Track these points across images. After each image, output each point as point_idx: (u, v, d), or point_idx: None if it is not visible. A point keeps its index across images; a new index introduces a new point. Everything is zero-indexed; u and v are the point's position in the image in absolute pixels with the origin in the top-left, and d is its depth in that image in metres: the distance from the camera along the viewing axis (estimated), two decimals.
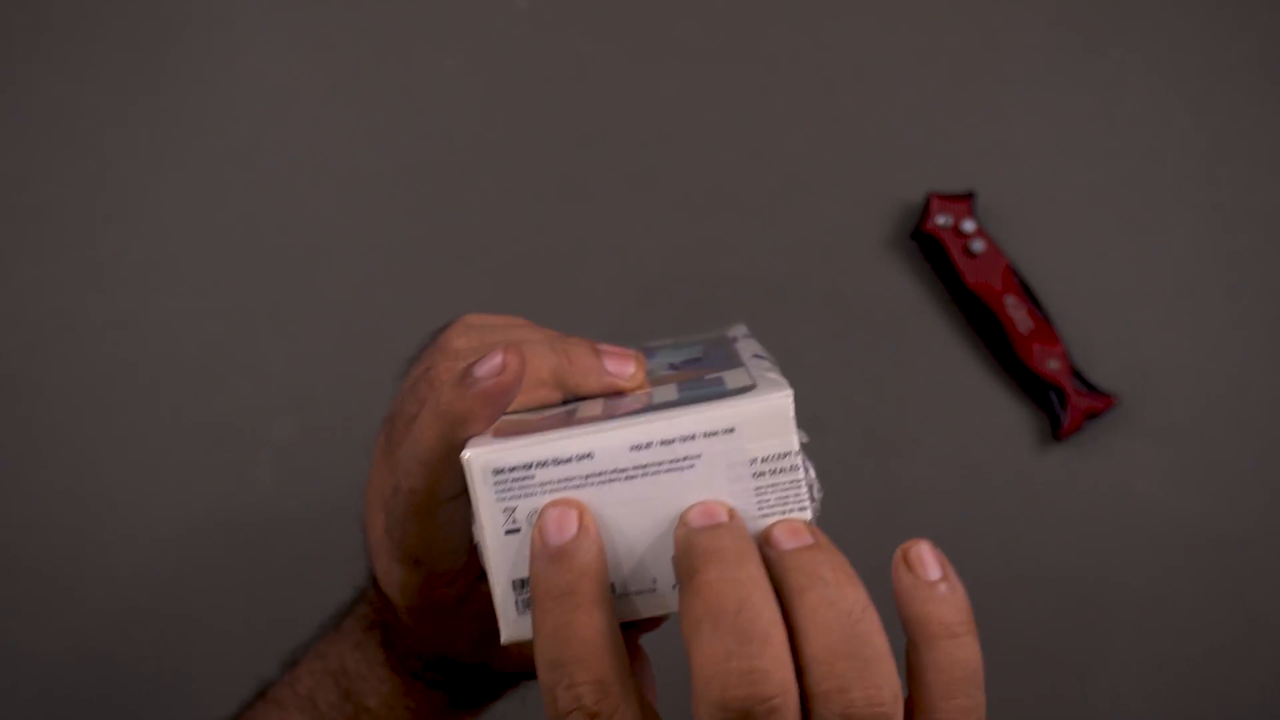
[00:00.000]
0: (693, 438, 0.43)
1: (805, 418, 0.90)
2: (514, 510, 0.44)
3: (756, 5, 0.91)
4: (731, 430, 0.44)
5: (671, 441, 0.43)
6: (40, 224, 0.91)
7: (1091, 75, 0.90)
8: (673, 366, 0.54)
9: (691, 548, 0.42)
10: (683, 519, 0.43)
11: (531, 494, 0.44)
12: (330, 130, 0.91)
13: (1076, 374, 0.89)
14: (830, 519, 0.95)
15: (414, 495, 0.47)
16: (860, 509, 0.90)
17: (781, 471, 0.44)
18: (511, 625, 0.45)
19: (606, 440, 0.43)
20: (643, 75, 0.91)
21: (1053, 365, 0.88)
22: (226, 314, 0.91)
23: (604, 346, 0.52)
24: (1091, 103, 0.90)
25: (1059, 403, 0.88)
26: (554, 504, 0.43)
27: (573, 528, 0.42)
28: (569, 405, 0.49)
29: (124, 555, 0.90)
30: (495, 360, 0.44)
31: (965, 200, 0.88)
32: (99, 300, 0.91)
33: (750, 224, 0.91)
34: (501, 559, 0.44)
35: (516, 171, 0.91)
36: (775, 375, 0.48)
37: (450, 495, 0.47)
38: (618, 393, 0.51)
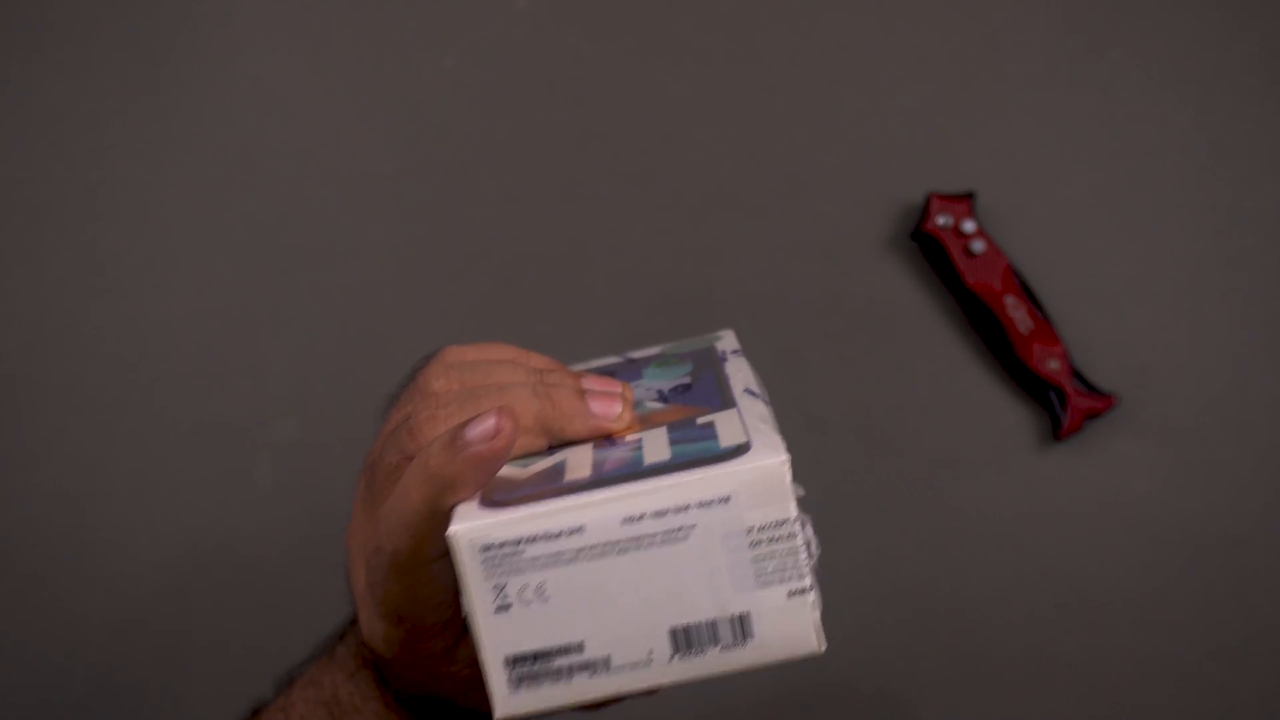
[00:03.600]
0: (687, 508, 0.42)
1: (805, 417, 0.90)
2: (504, 587, 0.42)
3: (756, 5, 0.91)
4: (727, 499, 0.42)
5: (665, 513, 0.42)
6: (40, 224, 0.91)
7: (1091, 75, 0.90)
8: (661, 395, 0.53)
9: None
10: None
11: (522, 570, 0.42)
12: (330, 130, 0.91)
13: (1076, 374, 0.89)
14: (830, 519, 0.96)
15: (397, 556, 0.45)
16: (860, 509, 0.90)
17: (779, 540, 0.42)
18: (505, 702, 0.43)
19: (598, 514, 0.42)
20: (642, 75, 0.91)
21: (1053, 365, 0.88)
22: (226, 314, 0.91)
23: (589, 382, 0.50)
24: (1091, 103, 0.90)
25: (1059, 403, 0.88)
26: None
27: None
28: (555, 455, 0.48)
29: (123, 555, 0.90)
30: (488, 424, 0.43)
31: (965, 200, 0.88)
32: (99, 300, 0.91)
33: (750, 224, 0.91)
34: (493, 637, 0.43)
35: (516, 171, 0.91)
36: (768, 427, 0.46)
37: (435, 556, 0.45)
38: (606, 435, 0.49)
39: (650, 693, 0.46)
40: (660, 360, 0.59)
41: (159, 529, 0.90)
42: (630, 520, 0.42)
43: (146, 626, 0.91)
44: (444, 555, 0.45)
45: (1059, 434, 0.88)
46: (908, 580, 0.90)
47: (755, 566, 0.42)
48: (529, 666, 0.43)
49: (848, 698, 0.90)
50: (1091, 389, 0.89)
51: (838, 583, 0.90)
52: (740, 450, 0.43)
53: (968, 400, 0.90)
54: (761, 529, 0.42)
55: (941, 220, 0.88)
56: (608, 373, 0.57)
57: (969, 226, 0.88)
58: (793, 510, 0.43)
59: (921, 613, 0.90)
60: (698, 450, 0.44)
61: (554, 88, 0.91)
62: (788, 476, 0.43)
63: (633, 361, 0.59)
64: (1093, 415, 0.89)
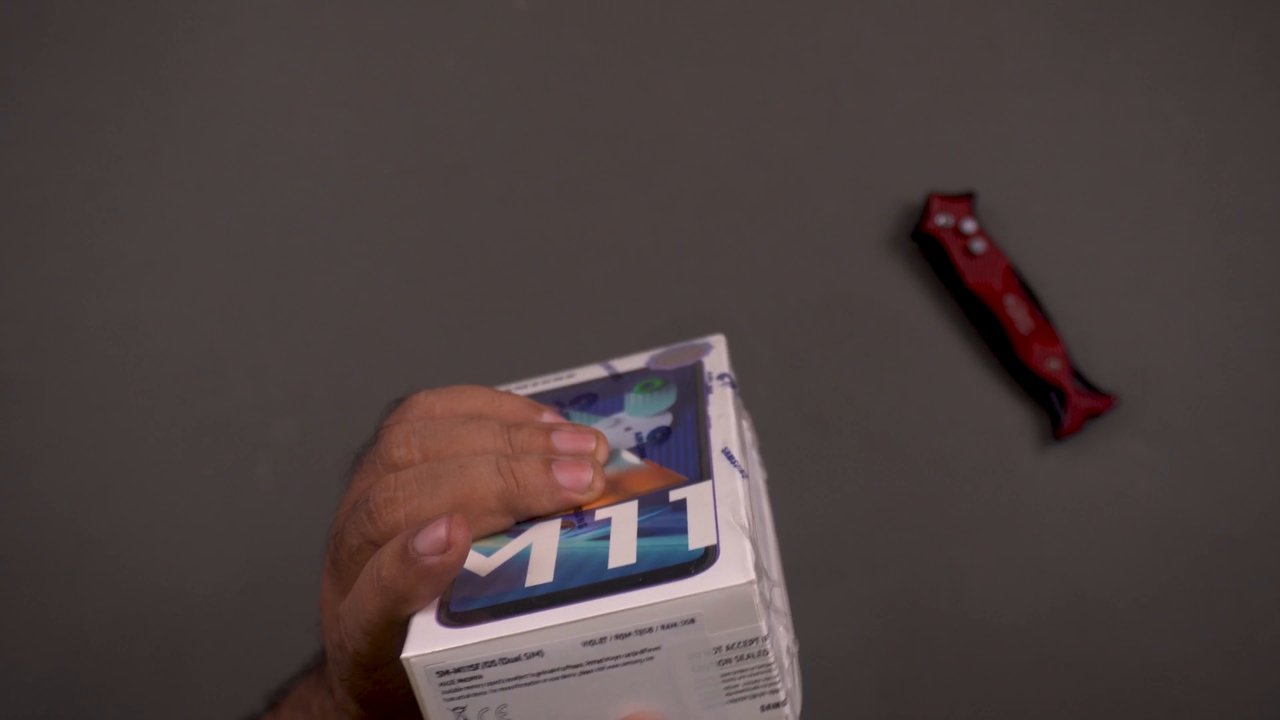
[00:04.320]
0: (650, 630, 0.40)
1: (805, 417, 0.90)
2: (464, 709, 0.41)
3: (756, 5, 0.91)
4: (692, 621, 0.40)
5: (628, 635, 0.40)
6: (40, 224, 0.91)
7: (1091, 75, 0.90)
8: (639, 440, 0.51)
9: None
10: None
11: (480, 693, 0.41)
12: (330, 130, 0.91)
13: (1076, 374, 0.89)
14: (830, 519, 0.96)
15: (359, 657, 0.45)
16: (860, 509, 0.90)
17: (749, 657, 0.41)
18: None
19: (558, 638, 0.40)
20: (642, 75, 0.91)
21: (1053, 365, 0.88)
22: (226, 314, 0.91)
23: (561, 439, 0.48)
24: (1091, 103, 0.90)
25: (1059, 403, 0.88)
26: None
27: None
28: (520, 537, 0.46)
29: (123, 556, 0.90)
30: (439, 535, 0.42)
31: (965, 200, 0.88)
32: (99, 300, 0.91)
33: (750, 224, 0.91)
34: None
35: (516, 171, 0.91)
36: (738, 524, 0.43)
37: (396, 656, 0.44)
38: (574, 507, 0.47)
39: None
40: (644, 383, 0.56)
41: (159, 529, 0.90)
42: (591, 643, 0.40)
43: (146, 626, 0.91)
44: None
45: (1059, 434, 0.88)
46: (908, 580, 0.90)
47: (725, 684, 0.41)
48: None
49: (848, 697, 0.90)
50: (1091, 389, 0.89)
51: (838, 583, 0.91)
52: (708, 558, 0.41)
53: (968, 400, 0.90)
54: (729, 648, 0.41)
55: (941, 220, 0.88)
56: (589, 394, 0.55)
57: (969, 226, 0.88)
58: (762, 629, 0.40)
59: (921, 612, 0.90)
60: (664, 551, 0.42)
61: (554, 88, 0.91)
62: (756, 598, 0.40)
63: (617, 378, 0.57)
64: (1093, 415, 0.89)
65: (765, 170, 0.91)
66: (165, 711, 0.91)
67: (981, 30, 0.90)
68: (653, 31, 0.91)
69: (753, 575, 0.40)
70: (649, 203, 0.91)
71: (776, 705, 0.41)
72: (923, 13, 0.90)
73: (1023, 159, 0.90)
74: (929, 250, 0.89)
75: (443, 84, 0.91)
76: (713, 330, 0.88)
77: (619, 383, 0.56)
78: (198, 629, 0.91)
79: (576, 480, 0.47)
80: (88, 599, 0.90)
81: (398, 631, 0.43)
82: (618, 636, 0.40)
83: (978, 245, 0.88)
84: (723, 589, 0.40)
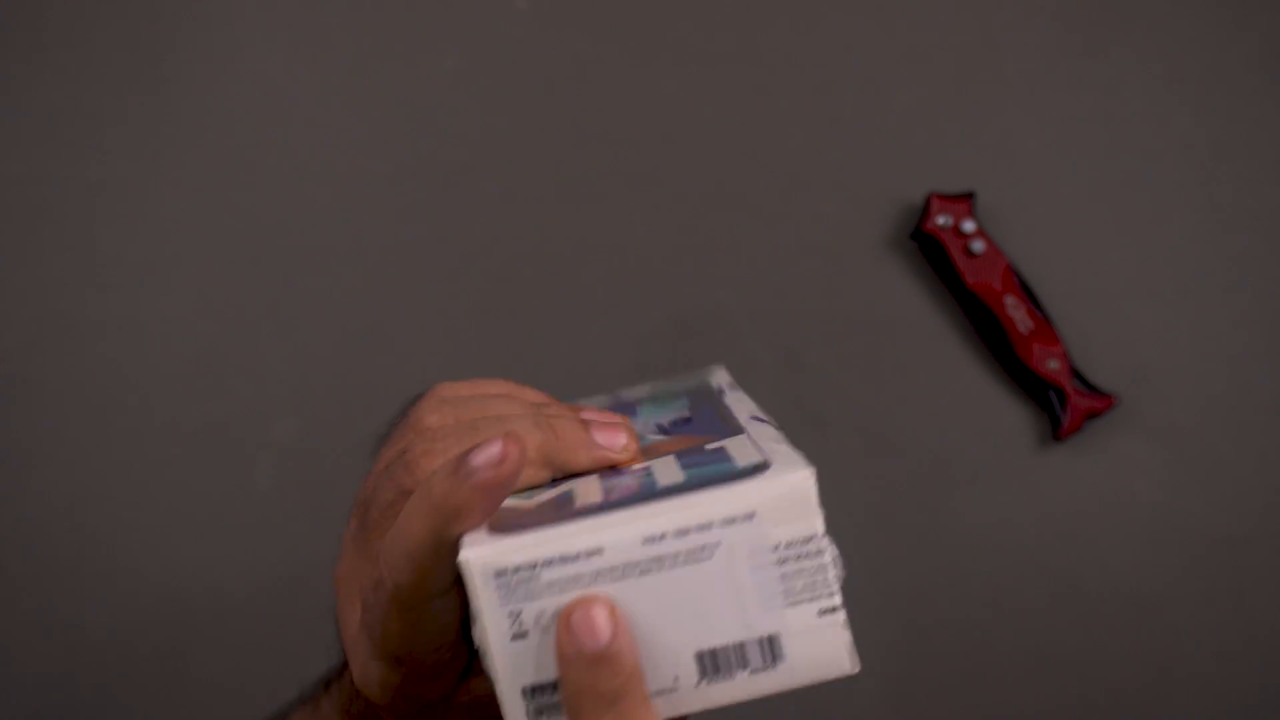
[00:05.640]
0: (710, 526, 0.40)
1: (805, 417, 0.90)
2: (520, 614, 0.40)
3: (756, 5, 0.91)
4: (751, 515, 0.41)
5: (687, 531, 0.40)
6: (40, 224, 0.91)
7: (1091, 75, 0.90)
8: (661, 429, 0.51)
9: (569, 684, 0.40)
10: (564, 621, 0.40)
11: (538, 595, 0.40)
12: (330, 130, 0.91)
13: (1076, 374, 0.89)
14: (830, 518, 0.95)
15: (399, 591, 0.43)
16: (860, 509, 0.90)
17: (807, 556, 0.41)
18: None
19: (618, 534, 0.40)
20: (642, 76, 0.91)
21: (1053, 365, 0.88)
22: (226, 314, 0.91)
23: (589, 414, 0.48)
24: (1091, 103, 0.90)
25: (1059, 403, 0.88)
26: (580, 604, 0.40)
27: (607, 628, 0.39)
28: (560, 486, 0.46)
29: (123, 556, 0.90)
30: (493, 450, 0.40)
31: (965, 200, 0.88)
32: (99, 300, 0.91)
33: (750, 224, 0.91)
34: (510, 668, 0.41)
35: (516, 172, 0.91)
36: (786, 448, 0.44)
37: (439, 591, 0.43)
38: (610, 466, 0.47)
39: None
40: (652, 399, 0.57)
41: (159, 529, 0.90)
42: (651, 540, 0.40)
43: (146, 626, 0.91)
44: (448, 590, 0.43)
45: (1059, 434, 0.88)
46: (908, 580, 0.90)
47: (783, 585, 0.41)
48: (549, 697, 0.41)
49: (848, 697, 0.90)
50: (1091, 389, 0.89)
51: None
52: (760, 468, 0.42)
53: (968, 400, 0.90)
54: (788, 545, 0.41)
55: (941, 220, 0.88)
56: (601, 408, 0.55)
57: (969, 226, 0.88)
58: (820, 526, 0.41)
59: (921, 613, 0.90)
60: (713, 472, 0.43)
61: (554, 88, 0.91)
62: (814, 490, 0.41)
63: (624, 402, 0.57)
64: (1093, 415, 0.89)
65: (765, 170, 0.91)
66: (165, 712, 0.90)
67: (981, 30, 0.90)
68: (653, 31, 0.91)
69: (810, 469, 0.41)
70: (649, 203, 0.91)
71: (834, 609, 0.41)
72: (923, 13, 0.90)
73: (1023, 159, 0.90)
74: (929, 250, 0.89)
75: (443, 84, 0.91)
76: (713, 330, 0.88)
77: (626, 405, 0.57)
78: (198, 629, 0.91)
79: (612, 439, 0.47)
80: (88, 599, 0.90)
81: (443, 558, 0.42)
82: (677, 533, 0.40)
83: (978, 245, 0.88)
84: (783, 481, 0.41)
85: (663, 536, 0.40)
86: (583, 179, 0.91)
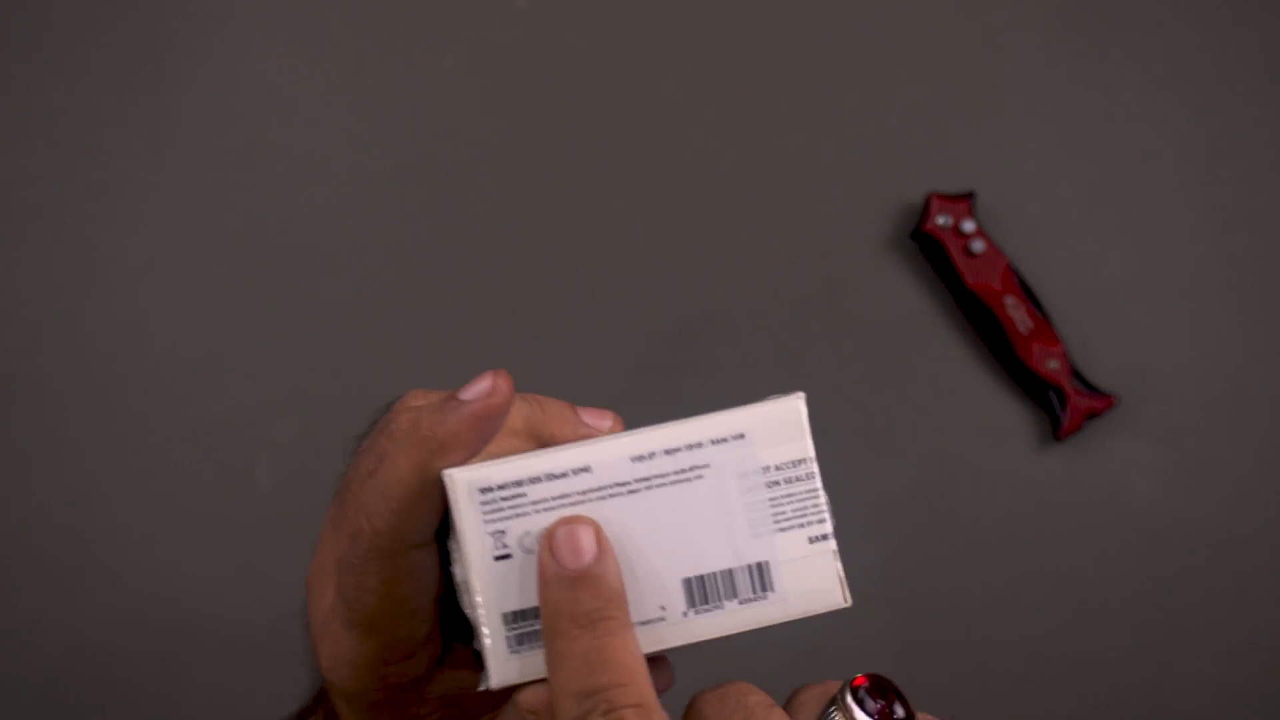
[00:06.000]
0: (700, 445, 0.40)
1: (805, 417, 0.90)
2: (504, 533, 0.39)
3: (756, 5, 0.91)
4: (742, 436, 0.41)
5: (677, 450, 0.40)
6: (40, 224, 0.91)
7: (1091, 75, 0.90)
8: None
9: (548, 604, 0.39)
10: (547, 540, 0.39)
11: (524, 514, 0.39)
12: (330, 130, 0.91)
13: (1076, 374, 0.89)
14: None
15: (378, 538, 0.41)
16: (860, 509, 0.90)
17: (798, 480, 0.41)
18: (502, 666, 0.40)
19: (605, 452, 0.40)
20: (642, 75, 0.91)
21: (1053, 365, 0.88)
22: (226, 314, 0.91)
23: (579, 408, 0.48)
24: (1091, 103, 0.90)
25: (1059, 403, 0.88)
26: (564, 522, 0.39)
27: (591, 548, 0.38)
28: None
29: (123, 555, 0.90)
30: (483, 383, 0.40)
31: (965, 200, 0.88)
32: (99, 300, 0.91)
33: (750, 224, 0.91)
34: (491, 589, 0.39)
35: (516, 171, 0.91)
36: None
37: (418, 541, 0.42)
38: None
39: (660, 666, 0.42)
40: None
41: (159, 529, 0.90)
42: (640, 458, 0.40)
43: (145, 626, 0.91)
44: (428, 543, 0.42)
45: (1059, 434, 0.88)
46: (908, 579, 0.90)
47: (773, 509, 0.40)
48: (530, 624, 0.40)
49: None
50: (1091, 389, 0.89)
51: None
52: (753, 402, 0.42)
53: (968, 400, 0.90)
54: (779, 468, 0.41)
55: (941, 220, 0.88)
56: None
57: (969, 226, 0.88)
58: (811, 450, 0.41)
59: (922, 612, 0.90)
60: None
61: (554, 88, 0.91)
62: (804, 414, 0.41)
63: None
64: (1093, 415, 0.88)
65: (765, 170, 0.91)
66: (165, 712, 0.90)
67: (981, 30, 0.90)
68: (653, 31, 0.91)
69: (801, 394, 0.41)
70: (649, 203, 0.91)
71: (825, 537, 0.41)
72: (923, 12, 0.90)
73: (1023, 159, 0.90)
74: (929, 250, 0.89)
75: (443, 84, 0.91)
76: (712, 330, 0.88)
77: None
78: (197, 629, 0.91)
79: (599, 421, 0.46)
80: (87, 599, 0.90)
81: (426, 500, 0.41)
82: (667, 452, 0.40)
83: (978, 245, 0.88)
84: (774, 404, 0.41)
85: (652, 455, 0.40)
86: (583, 179, 0.91)
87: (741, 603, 0.40)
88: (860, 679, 0.39)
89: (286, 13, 0.91)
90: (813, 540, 0.41)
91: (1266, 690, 0.90)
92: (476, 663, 0.43)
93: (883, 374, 0.90)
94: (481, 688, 0.41)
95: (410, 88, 0.91)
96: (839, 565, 0.41)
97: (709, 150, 0.91)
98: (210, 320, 0.91)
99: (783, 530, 0.41)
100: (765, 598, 0.41)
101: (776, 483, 0.41)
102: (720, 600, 0.40)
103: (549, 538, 0.39)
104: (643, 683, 0.38)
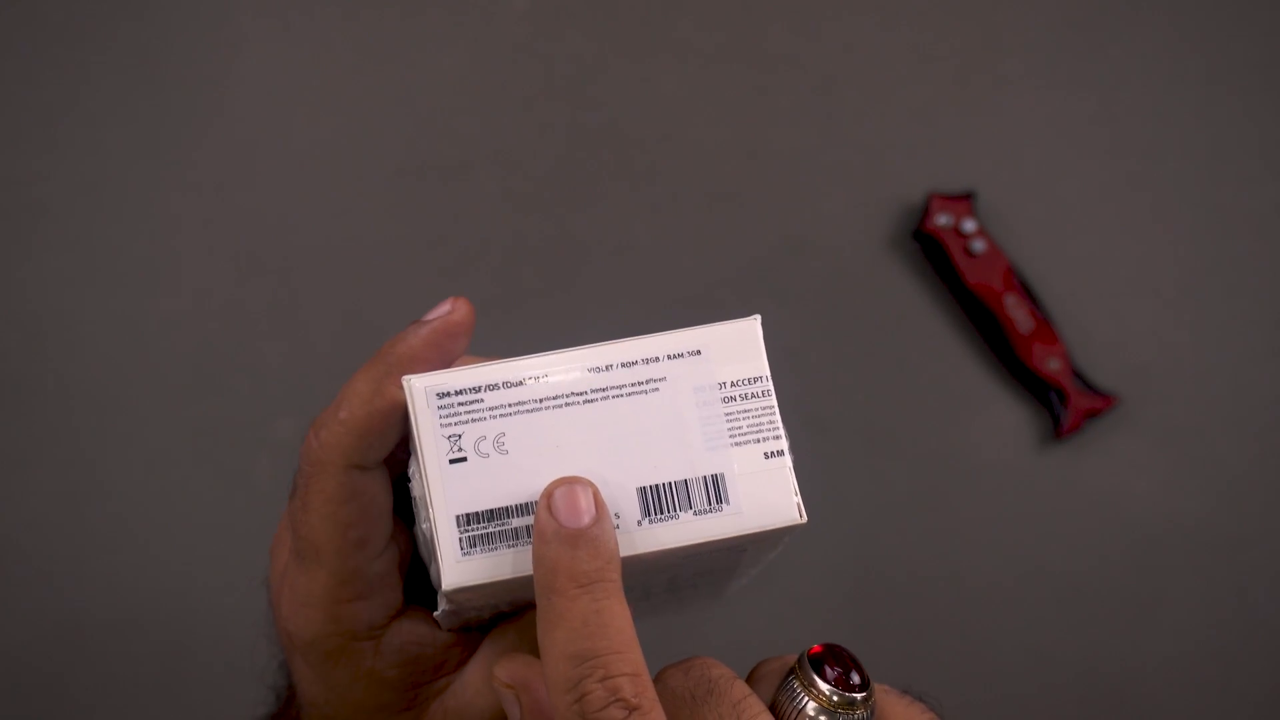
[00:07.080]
0: (657, 360, 0.41)
1: (806, 417, 0.90)
2: (460, 437, 0.40)
3: (756, 5, 0.91)
4: (698, 352, 0.42)
5: (634, 363, 0.41)
6: (40, 224, 0.91)
7: (1091, 75, 0.90)
8: None
9: (545, 561, 0.39)
10: (545, 498, 0.39)
11: (480, 419, 0.40)
12: (330, 130, 0.91)
13: (1077, 374, 0.89)
14: (831, 518, 0.96)
15: (332, 452, 0.42)
16: (860, 509, 0.90)
17: (754, 397, 0.41)
18: (454, 568, 0.40)
19: (563, 362, 0.41)
20: (642, 75, 0.91)
21: (1053, 365, 0.88)
22: (226, 314, 0.91)
23: None
24: (1091, 103, 0.90)
25: (1059, 403, 0.88)
26: (562, 482, 0.39)
27: (590, 509, 0.39)
28: None
29: (123, 555, 0.90)
30: (443, 306, 0.41)
31: (965, 200, 0.88)
32: (99, 300, 0.91)
33: (750, 223, 0.91)
34: (444, 491, 0.40)
35: (516, 171, 0.91)
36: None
37: (359, 462, 0.42)
38: None
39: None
40: None
41: (159, 529, 0.90)
42: (597, 370, 0.41)
43: (145, 626, 0.91)
44: (374, 468, 0.42)
45: (1059, 434, 0.88)
46: (908, 579, 0.90)
47: (729, 423, 0.41)
48: (483, 527, 0.40)
49: None
50: (1091, 389, 0.89)
51: (838, 582, 0.91)
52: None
53: (968, 400, 0.90)
54: (734, 384, 0.41)
55: (941, 220, 0.88)
56: None
57: (969, 226, 0.88)
58: (766, 367, 0.41)
59: (921, 612, 0.90)
60: None
61: (554, 88, 0.91)
62: (760, 333, 0.42)
63: None
64: (1093, 415, 0.89)
65: (766, 170, 0.91)
66: (165, 711, 0.90)
67: (982, 30, 0.90)
68: (653, 31, 0.91)
69: (758, 316, 0.42)
70: (648, 202, 0.91)
71: (780, 453, 0.41)
72: (923, 12, 0.90)
73: (1023, 159, 0.90)
74: (929, 250, 0.89)
75: (443, 84, 0.91)
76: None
77: None
78: (197, 629, 0.91)
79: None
80: (88, 598, 0.90)
81: (383, 417, 0.41)
82: (624, 364, 0.41)
83: (978, 245, 0.88)
84: (730, 324, 0.42)
85: (609, 367, 0.41)
86: (583, 178, 0.91)
87: (696, 514, 0.41)
88: (817, 648, 0.40)
89: (286, 12, 0.91)
90: (768, 455, 0.41)
91: (1266, 690, 0.90)
92: (437, 626, 0.43)
93: (883, 373, 0.90)
94: (437, 612, 0.41)
95: (410, 88, 0.91)
96: (794, 481, 0.41)
97: (709, 150, 0.91)
98: (210, 320, 0.91)
99: (738, 445, 0.41)
100: (721, 510, 0.41)
101: (733, 398, 0.41)
102: (675, 511, 0.41)
103: (547, 496, 0.39)
104: (637, 651, 0.38)
